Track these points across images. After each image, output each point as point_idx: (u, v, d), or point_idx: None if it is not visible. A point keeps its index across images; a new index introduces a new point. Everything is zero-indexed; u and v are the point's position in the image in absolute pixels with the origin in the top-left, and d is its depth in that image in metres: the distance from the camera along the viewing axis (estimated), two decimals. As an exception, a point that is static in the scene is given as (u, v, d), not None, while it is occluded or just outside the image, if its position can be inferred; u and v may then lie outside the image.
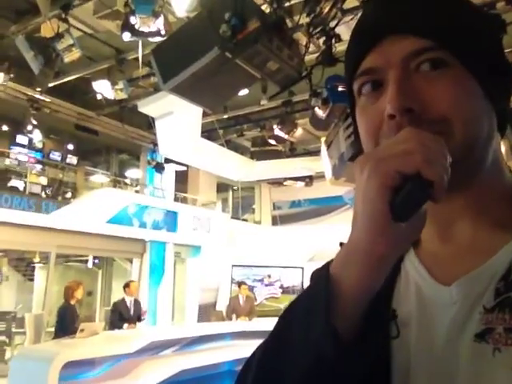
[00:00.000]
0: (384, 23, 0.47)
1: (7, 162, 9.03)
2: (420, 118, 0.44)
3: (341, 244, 0.59)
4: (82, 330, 4.63)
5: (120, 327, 5.90)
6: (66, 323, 5.53)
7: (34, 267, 10.37)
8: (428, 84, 0.45)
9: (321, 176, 7.25)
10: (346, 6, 3.99)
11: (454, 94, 0.44)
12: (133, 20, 4.24)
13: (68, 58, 4.91)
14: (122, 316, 6.06)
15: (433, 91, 0.44)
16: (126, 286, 6.36)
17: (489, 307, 0.43)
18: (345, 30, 4.14)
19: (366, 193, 0.39)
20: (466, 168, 0.45)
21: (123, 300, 6.24)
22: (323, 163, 4.95)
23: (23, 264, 10.68)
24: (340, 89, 4.06)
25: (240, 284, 7.77)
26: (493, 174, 0.48)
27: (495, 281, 0.43)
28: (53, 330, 6.03)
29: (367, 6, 0.55)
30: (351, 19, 3.89)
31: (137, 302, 6.37)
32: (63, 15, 4.89)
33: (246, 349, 5.67)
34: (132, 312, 6.19)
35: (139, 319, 6.29)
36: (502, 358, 0.40)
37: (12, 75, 6.47)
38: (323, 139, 4.87)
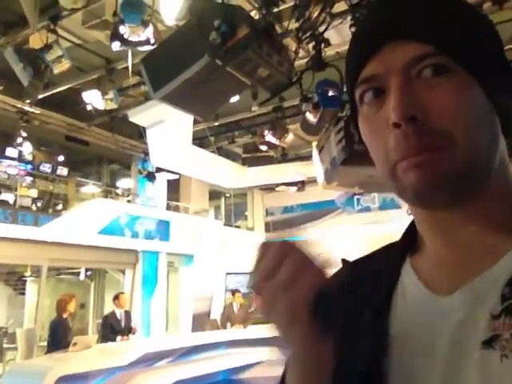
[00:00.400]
0: (384, 29, 0.46)
1: (-3, 175, 8.93)
2: (423, 127, 0.43)
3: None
4: (75, 344, 4.57)
5: (113, 340, 5.81)
6: (59, 337, 5.45)
7: (25, 281, 10.21)
8: (429, 91, 0.44)
9: (313, 181, 7.26)
10: (335, 10, 4.01)
11: (456, 102, 0.43)
12: (122, 29, 4.23)
13: (57, 69, 4.88)
14: (113, 329, 5.98)
15: (434, 98, 0.43)
16: (116, 298, 6.28)
17: (495, 313, 0.42)
18: (334, 35, 4.18)
19: (291, 330, 0.44)
20: (471, 178, 0.44)
21: (113, 313, 6.16)
22: (315, 168, 4.95)
23: (14, 278, 10.52)
24: (330, 93, 4.08)
25: (234, 292, 7.74)
26: (499, 176, 0.47)
27: (500, 286, 0.42)
28: (45, 344, 5.93)
29: (366, 13, 0.54)
30: (340, 23, 3.91)
31: (127, 314, 6.29)
32: (52, 26, 4.88)
33: (242, 357, 5.62)
34: (123, 324, 6.11)
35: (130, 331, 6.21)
36: (509, 365, 0.39)
37: (1, 88, 6.42)
38: (314, 144, 4.87)
